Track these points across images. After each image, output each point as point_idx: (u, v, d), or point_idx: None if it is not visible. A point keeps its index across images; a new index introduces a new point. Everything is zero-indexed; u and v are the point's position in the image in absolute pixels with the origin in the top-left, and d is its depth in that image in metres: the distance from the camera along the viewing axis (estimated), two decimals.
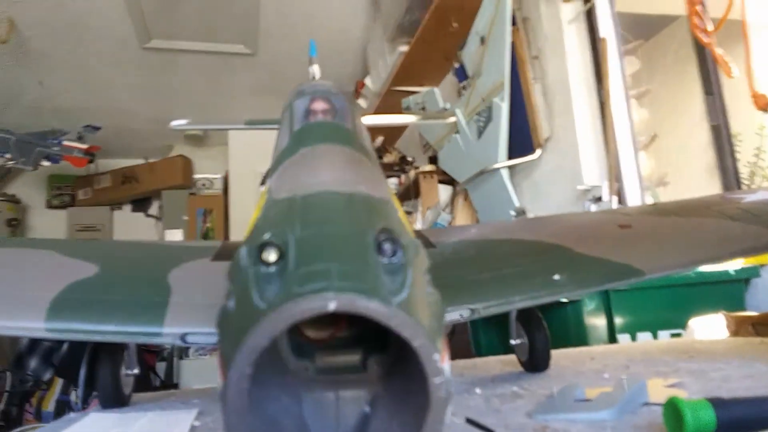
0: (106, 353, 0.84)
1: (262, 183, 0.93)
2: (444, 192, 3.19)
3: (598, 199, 2.38)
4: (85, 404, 0.85)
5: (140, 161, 5.16)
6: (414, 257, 0.40)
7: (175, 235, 4.65)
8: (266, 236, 0.39)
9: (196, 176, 5.08)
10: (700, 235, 0.84)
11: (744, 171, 2.04)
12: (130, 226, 5.08)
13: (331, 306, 0.32)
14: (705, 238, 0.83)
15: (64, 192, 5.04)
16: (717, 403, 0.42)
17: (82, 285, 0.75)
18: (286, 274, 0.35)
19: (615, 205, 2.25)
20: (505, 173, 2.70)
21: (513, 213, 2.71)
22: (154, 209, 5.20)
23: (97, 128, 4.18)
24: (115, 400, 0.84)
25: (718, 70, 2.03)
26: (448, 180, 3.21)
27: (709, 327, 1.36)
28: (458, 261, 0.82)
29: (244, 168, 4.84)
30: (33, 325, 0.69)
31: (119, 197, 5.11)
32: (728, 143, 2.04)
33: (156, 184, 4.99)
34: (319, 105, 0.81)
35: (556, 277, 0.76)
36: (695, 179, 2.35)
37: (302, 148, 0.68)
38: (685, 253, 0.81)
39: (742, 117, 2.11)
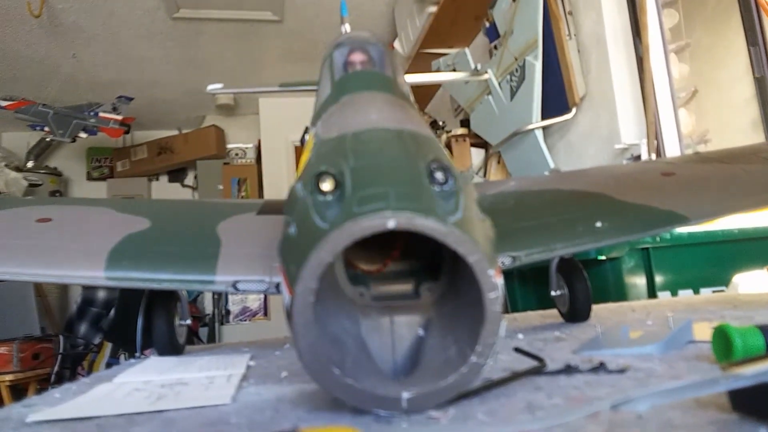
0: (161, 304, 0.88)
1: (304, 135, 0.95)
2: (477, 155, 3.17)
3: (637, 158, 2.33)
4: (142, 353, 0.89)
5: (174, 132, 5.24)
6: (464, 184, 0.41)
7: None
8: (322, 167, 0.41)
9: (230, 146, 5.14)
10: (745, 180, 0.83)
11: None
12: (167, 196, 5.20)
13: (390, 224, 0.33)
14: (750, 184, 0.82)
15: (103, 164, 5.17)
16: (765, 329, 0.42)
17: (137, 237, 0.78)
18: (344, 198, 0.37)
19: None
20: (539, 134, 2.66)
21: (548, 174, 2.68)
22: (189, 179, 5.30)
23: (130, 99, 4.26)
24: (171, 348, 0.89)
25: (763, 18, 1.96)
26: (480, 143, 3.18)
27: (754, 283, 1.34)
28: (498, 211, 0.83)
29: (276, 137, 4.88)
30: (94, 274, 0.72)
31: (156, 168, 5.22)
32: None
33: (191, 154, 5.07)
34: (358, 56, 0.81)
35: (599, 224, 0.76)
36: (738, 135, 2.28)
37: (344, 96, 0.69)
38: (730, 199, 0.80)
39: None
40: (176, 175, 5.28)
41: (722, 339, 0.43)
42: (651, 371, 0.42)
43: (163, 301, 0.89)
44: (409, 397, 0.34)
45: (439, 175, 0.39)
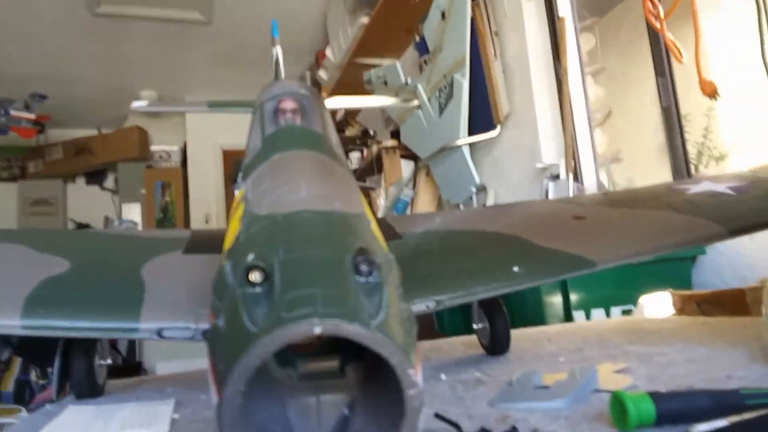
0: (80, 345, 0.85)
1: (234, 181, 0.95)
2: (406, 167, 3.22)
3: (556, 177, 2.45)
4: (59, 396, 0.86)
5: (93, 132, 5.01)
6: (388, 274, 0.43)
7: (133, 210, 4.57)
8: (251, 257, 0.42)
9: (153, 148, 4.97)
10: (647, 226, 0.90)
11: (692, 151, 2.14)
12: (84, 199, 4.96)
13: (317, 330, 0.35)
14: (652, 230, 0.89)
15: (13, 164, 4.87)
16: (656, 396, 0.47)
17: (56, 281, 0.76)
18: (273, 297, 0.38)
19: (571, 183, 2.33)
20: (466, 150, 2.74)
21: (474, 190, 2.77)
22: (109, 182, 5.08)
23: (44, 97, 4.04)
24: (90, 391, 0.86)
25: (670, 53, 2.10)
26: (410, 155, 3.24)
27: (658, 304, 1.45)
28: (424, 253, 0.86)
29: (204, 140, 4.76)
30: (9, 323, 0.69)
31: (72, 169, 4.97)
32: (678, 125, 2.13)
33: (111, 156, 4.86)
34: (288, 104, 0.82)
35: (516, 269, 0.81)
36: (647, 157, 2.44)
37: (275, 154, 0.70)
38: (634, 244, 0.87)
39: (691, 97, 2.19)
40: (95, 177, 5.05)
41: (618, 405, 0.47)
42: None
43: (83, 341, 0.86)
44: None
45: (364, 268, 0.41)
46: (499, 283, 0.81)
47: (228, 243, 0.53)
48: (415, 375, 0.36)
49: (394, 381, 0.38)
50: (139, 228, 3.67)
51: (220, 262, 0.50)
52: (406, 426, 0.36)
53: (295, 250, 0.42)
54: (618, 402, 0.47)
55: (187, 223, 4.75)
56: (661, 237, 0.87)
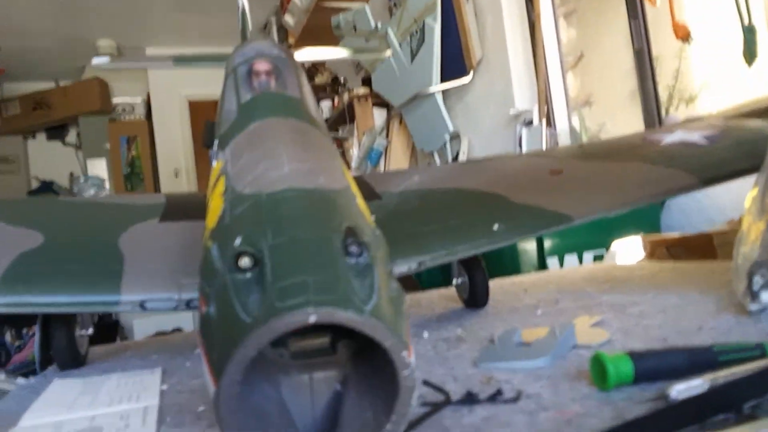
0: (60, 317, 0.84)
1: (206, 145, 0.92)
2: (379, 116, 3.19)
3: (529, 123, 2.45)
4: (42, 368, 0.86)
5: (51, 85, 4.81)
6: (377, 251, 0.44)
7: (98, 165, 4.45)
8: (238, 241, 0.42)
9: (116, 101, 4.79)
10: (623, 179, 0.91)
11: (663, 95, 2.15)
12: (47, 156, 4.81)
13: (312, 319, 0.35)
14: (627, 183, 0.90)
15: None
16: (634, 356, 0.49)
17: (31, 256, 0.74)
18: (265, 285, 0.38)
19: (544, 129, 2.33)
20: (439, 97, 2.72)
21: (447, 137, 2.76)
22: (71, 137, 4.92)
23: None
24: (73, 361, 0.86)
25: None
26: (382, 103, 3.20)
27: (629, 250, 1.49)
28: (404, 213, 0.87)
29: (168, 91, 4.61)
30: None
31: (31, 125, 4.79)
32: (650, 68, 2.13)
33: (71, 109, 4.69)
34: (262, 66, 0.80)
35: (496, 226, 0.82)
36: (618, 100, 2.45)
37: (252, 123, 0.68)
38: (610, 198, 0.89)
39: (663, 39, 2.19)
40: (56, 132, 4.88)
41: (598, 366, 0.49)
42: (539, 401, 0.48)
43: (62, 313, 0.85)
44: None
45: (353, 249, 0.41)
46: (480, 241, 0.82)
47: (211, 221, 0.52)
48: (408, 356, 0.37)
49: (385, 358, 0.38)
50: (107, 184, 3.59)
51: (205, 243, 0.49)
52: (399, 404, 0.37)
53: (283, 234, 0.42)
54: (598, 363, 0.49)
55: (156, 178, 4.65)
56: (636, 190, 0.89)
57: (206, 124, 0.97)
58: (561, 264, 1.71)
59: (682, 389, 0.43)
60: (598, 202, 0.88)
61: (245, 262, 0.40)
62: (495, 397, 0.50)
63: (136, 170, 4.57)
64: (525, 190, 0.90)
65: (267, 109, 0.72)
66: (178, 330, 3.16)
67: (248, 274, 0.40)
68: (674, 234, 1.51)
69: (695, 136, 1.00)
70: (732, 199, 1.75)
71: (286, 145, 0.61)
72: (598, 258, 1.69)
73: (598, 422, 0.41)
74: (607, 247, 1.76)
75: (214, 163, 0.70)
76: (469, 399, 0.50)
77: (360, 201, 0.55)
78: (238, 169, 0.58)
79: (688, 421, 0.36)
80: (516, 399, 0.49)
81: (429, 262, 0.79)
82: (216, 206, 0.54)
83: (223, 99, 0.89)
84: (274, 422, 0.39)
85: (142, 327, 3.30)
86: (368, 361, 0.43)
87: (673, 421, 0.35)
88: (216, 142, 0.80)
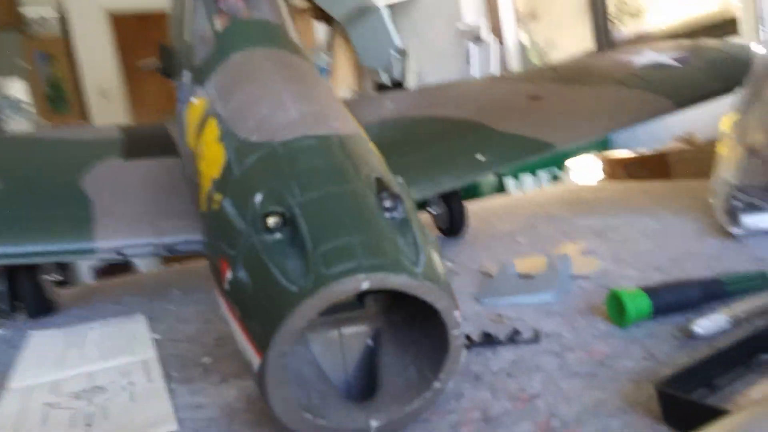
0: (23, 265, 0.78)
1: (166, 74, 0.84)
2: (321, 32, 3.04)
3: (478, 39, 2.40)
4: (11, 315, 0.81)
5: None
6: (407, 199, 0.41)
7: (15, 85, 4.06)
8: (259, 198, 0.38)
9: (25, 11, 4.31)
10: (600, 104, 0.91)
11: (612, 10, 2.14)
12: None
13: (365, 286, 0.33)
14: (605, 108, 0.90)
15: None
16: (650, 292, 0.50)
17: None
18: (305, 248, 0.35)
19: (494, 45, 2.30)
20: (385, 12, 2.61)
21: (394, 53, 2.68)
22: None
23: None
24: (43, 308, 0.82)
25: None
26: (324, 16, 3.04)
27: (585, 168, 1.53)
28: (386, 146, 0.83)
29: (83, 1, 4.20)
30: None
31: None
32: None
33: None
34: None
35: (479, 156, 0.81)
36: (566, 16, 2.43)
37: (234, 54, 0.62)
38: (589, 124, 0.88)
39: None
40: None
41: (615, 303, 0.50)
42: (561, 341, 0.48)
43: None
44: (377, 425, 0.36)
45: (388, 204, 0.39)
46: (463, 171, 0.81)
47: (213, 170, 0.47)
48: (458, 316, 0.36)
49: (424, 313, 0.37)
50: (31, 108, 3.30)
51: (208, 194, 0.45)
52: (449, 362, 0.36)
53: (311, 189, 0.38)
54: (615, 299, 0.50)
55: (81, 99, 4.32)
56: (614, 115, 0.89)
57: (161, 49, 0.88)
58: (517, 183, 1.73)
59: (707, 325, 0.44)
60: (579, 129, 0.87)
61: (274, 221, 0.37)
62: (514, 337, 0.50)
63: (60, 92, 4.22)
64: (506, 118, 0.88)
65: (250, 38, 0.65)
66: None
67: (278, 235, 0.37)
68: (629, 152, 1.55)
69: (665, 58, 1.00)
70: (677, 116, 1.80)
71: (284, 82, 0.55)
72: (555, 177, 1.73)
73: (632, 363, 0.42)
74: (560, 166, 1.80)
75: (194, 99, 0.64)
76: (488, 340, 0.50)
77: (372, 145, 0.51)
78: (234, 111, 0.52)
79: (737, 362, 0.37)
80: (536, 339, 0.49)
81: (415, 195, 0.77)
82: (215, 153, 0.49)
83: (181, 19, 0.81)
84: (314, 386, 0.38)
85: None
86: (401, 315, 0.41)
87: (722, 364, 0.36)
88: (187, 73, 0.72)
